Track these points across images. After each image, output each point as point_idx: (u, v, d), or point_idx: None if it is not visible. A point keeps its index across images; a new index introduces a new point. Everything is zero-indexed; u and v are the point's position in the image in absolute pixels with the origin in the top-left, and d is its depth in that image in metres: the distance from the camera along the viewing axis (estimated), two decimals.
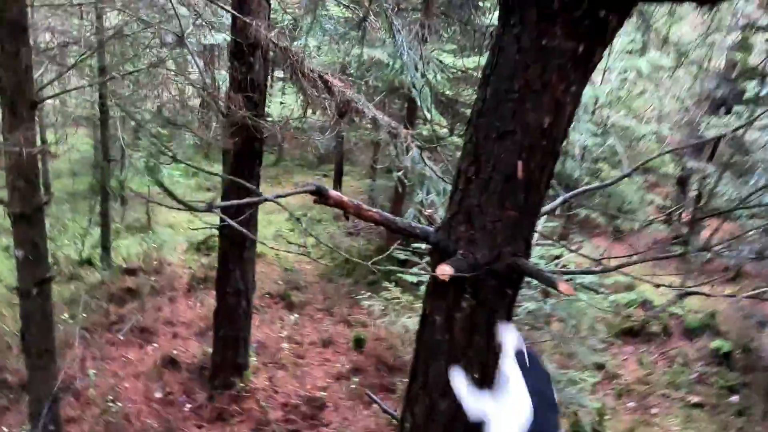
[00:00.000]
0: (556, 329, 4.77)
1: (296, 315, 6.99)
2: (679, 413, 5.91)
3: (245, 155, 4.79)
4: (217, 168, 14.24)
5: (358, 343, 6.35)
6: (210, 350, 5.59)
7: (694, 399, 6.17)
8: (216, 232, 9.44)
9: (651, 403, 6.04)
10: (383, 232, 9.30)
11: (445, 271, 1.46)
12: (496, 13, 7.23)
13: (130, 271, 7.79)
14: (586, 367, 5.72)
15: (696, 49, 7.82)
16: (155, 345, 6.13)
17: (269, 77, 4.67)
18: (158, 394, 5.27)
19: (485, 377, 1.51)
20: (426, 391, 1.60)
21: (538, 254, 4.38)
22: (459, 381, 1.33)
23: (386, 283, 6.29)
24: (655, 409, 5.97)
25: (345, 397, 5.42)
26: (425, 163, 4.71)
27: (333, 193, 1.70)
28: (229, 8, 3.98)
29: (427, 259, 5.01)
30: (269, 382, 5.34)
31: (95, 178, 10.19)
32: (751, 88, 6.02)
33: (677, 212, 10.28)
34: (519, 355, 1.29)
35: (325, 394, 5.38)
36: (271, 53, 4.52)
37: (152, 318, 6.55)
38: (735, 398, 6.24)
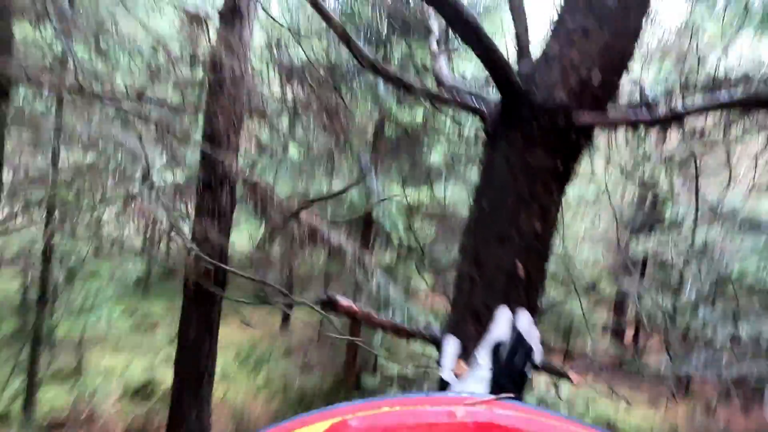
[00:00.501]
0: None
1: None
2: None
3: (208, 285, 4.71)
4: (159, 304, 13.58)
5: None
6: None
7: None
8: (156, 375, 8.73)
9: None
10: (339, 365, 8.93)
11: (462, 368, 1.49)
12: (435, 154, 7.89)
13: (56, 425, 6.87)
14: None
15: (617, 178, 8.89)
16: None
17: (234, 207, 4.81)
18: None
19: None
20: None
21: None
22: (447, 351, 1.36)
23: None
24: None
25: None
26: (389, 286, 4.81)
27: (343, 301, 1.75)
28: (201, 145, 4.21)
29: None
30: None
31: (22, 321, 9.38)
32: (667, 214, 6.88)
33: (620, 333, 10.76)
34: (498, 347, 1.35)
35: None
36: (238, 186, 4.72)
37: None
38: None
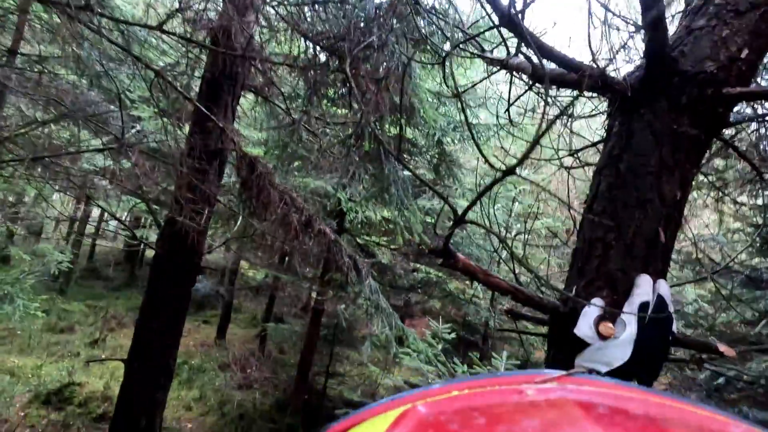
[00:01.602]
0: None
1: None
2: None
3: (181, 272, 4.27)
4: (76, 306, 12.29)
5: None
6: None
7: None
8: (74, 379, 7.75)
9: None
10: (284, 383, 8.39)
11: (609, 329, 1.39)
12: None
13: None
14: None
15: None
16: None
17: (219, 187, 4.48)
18: None
19: None
20: None
21: None
22: (591, 313, 1.28)
23: None
24: None
25: None
26: (379, 293, 4.62)
27: (461, 256, 1.59)
28: (200, 107, 3.86)
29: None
30: None
31: None
32: None
33: None
34: (644, 308, 1.23)
35: None
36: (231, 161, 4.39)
37: None
38: None
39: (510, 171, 1.03)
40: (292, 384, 7.98)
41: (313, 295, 7.72)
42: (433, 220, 6.91)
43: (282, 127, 3.94)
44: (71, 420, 6.69)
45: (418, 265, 9.17)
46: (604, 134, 1.91)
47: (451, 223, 1.48)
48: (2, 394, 7.09)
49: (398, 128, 4.17)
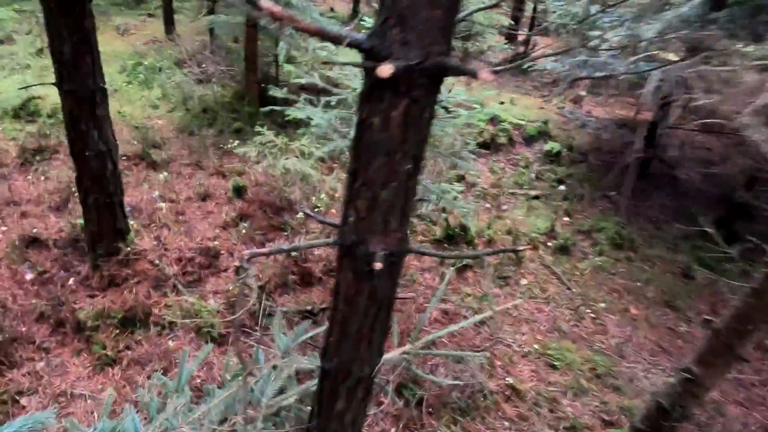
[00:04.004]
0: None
1: (164, 173, 6.55)
2: (523, 205, 7.16)
3: None
4: (4, 13, 11.38)
5: (238, 192, 6.29)
6: (78, 222, 5.12)
7: (533, 192, 7.48)
8: (36, 92, 7.92)
9: (502, 201, 7.18)
10: (239, 74, 8.62)
11: (384, 71, 1.51)
12: None
13: None
14: (450, 179, 6.50)
15: None
16: (1, 228, 5.42)
17: None
18: (29, 275, 4.84)
19: (417, 168, 1.73)
20: (367, 185, 1.75)
21: None
22: None
23: (258, 128, 6.09)
24: (505, 206, 7.13)
25: (237, 243, 5.53)
26: None
27: (265, 2, 1.57)
28: None
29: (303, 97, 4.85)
30: (156, 242, 5.17)
31: None
32: None
33: (515, 33, 11.12)
34: None
35: (216, 243, 5.42)
36: None
37: None
38: (562, 187, 7.68)
39: None
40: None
41: None
42: None
43: None
44: (47, 130, 7.20)
45: None
46: None
47: None
48: None
49: None
